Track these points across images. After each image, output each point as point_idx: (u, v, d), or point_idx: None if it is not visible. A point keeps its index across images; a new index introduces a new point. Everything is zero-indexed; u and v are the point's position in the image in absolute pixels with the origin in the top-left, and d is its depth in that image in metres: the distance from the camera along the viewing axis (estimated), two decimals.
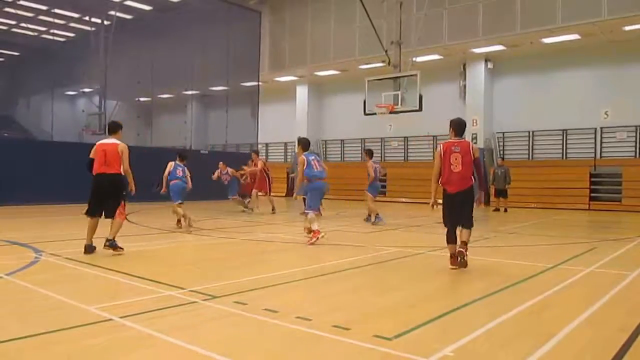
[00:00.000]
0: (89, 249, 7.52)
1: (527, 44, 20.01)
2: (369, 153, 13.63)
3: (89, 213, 7.59)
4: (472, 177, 6.79)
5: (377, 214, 13.06)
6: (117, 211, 7.69)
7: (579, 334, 4.10)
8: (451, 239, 6.79)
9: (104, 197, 7.63)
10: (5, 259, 7.18)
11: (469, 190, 6.77)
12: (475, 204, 7.10)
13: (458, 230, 6.81)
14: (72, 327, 4.00)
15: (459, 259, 6.63)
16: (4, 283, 5.63)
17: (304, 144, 10.04)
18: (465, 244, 6.69)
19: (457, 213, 6.77)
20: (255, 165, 15.98)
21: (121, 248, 7.57)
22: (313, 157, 9.83)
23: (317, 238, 9.19)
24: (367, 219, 13.46)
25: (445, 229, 6.86)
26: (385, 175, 24.84)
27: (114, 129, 7.98)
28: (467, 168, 6.70)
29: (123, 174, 7.70)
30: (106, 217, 7.66)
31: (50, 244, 8.59)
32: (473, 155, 6.77)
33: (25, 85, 31.82)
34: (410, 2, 19.59)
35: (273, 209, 15.91)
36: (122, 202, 7.81)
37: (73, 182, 17.77)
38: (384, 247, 8.75)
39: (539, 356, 3.54)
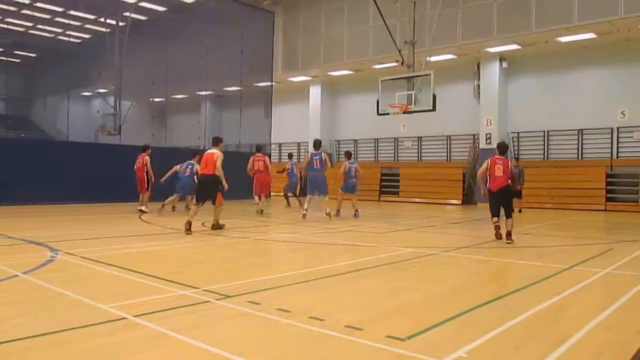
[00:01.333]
0: (188, 225, 10.12)
1: (542, 43, 19.82)
2: (347, 155, 15.53)
3: (196, 201, 10.81)
4: (508, 180, 9.79)
5: (338, 210, 14.80)
6: (217, 200, 10.62)
7: (594, 337, 4.05)
8: (495, 215, 9.89)
9: (205, 190, 10.70)
10: (21, 257, 7.27)
11: (506, 188, 9.78)
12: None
13: (503, 222, 9.75)
14: (87, 326, 4.03)
15: (507, 242, 9.45)
16: (20, 281, 5.69)
17: (314, 144, 13.81)
18: (510, 233, 9.51)
19: (499, 204, 9.85)
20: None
21: (223, 225, 10.83)
22: (317, 157, 13.19)
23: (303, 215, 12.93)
24: (336, 214, 14.54)
25: (491, 215, 9.95)
26: (398, 175, 24.94)
27: (215, 141, 11.08)
28: (506, 175, 9.75)
29: (217, 173, 10.50)
30: (213, 203, 10.76)
31: (66, 243, 8.68)
32: (510, 168, 9.93)
33: (42, 86, 32.23)
34: (424, 1, 19.51)
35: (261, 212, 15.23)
36: (220, 193, 10.67)
37: (88, 182, 18.16)
38: (398, 248, 8.72)
39: (554, 358, 3.51)
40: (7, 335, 3.78)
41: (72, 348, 3.59)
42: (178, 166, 14.98)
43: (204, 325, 4.15)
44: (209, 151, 10.82)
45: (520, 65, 22.08)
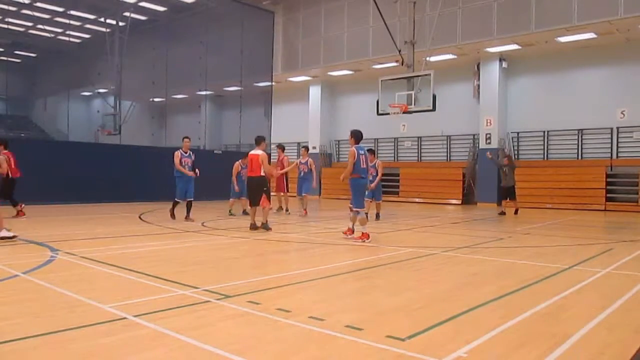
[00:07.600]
0: (253, 227, 10.87)
1: (542, 43, 19.82)
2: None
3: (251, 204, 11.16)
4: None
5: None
6: (262, 201, 10.79)
7: (594, 336, 4.05)
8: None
9: (254, 193, 10.83)
10: (21, 257, 7.27)
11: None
12: None
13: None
14: (87, 326, 4.03)
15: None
16: (20, 281, 5.70)
17: (356, 135, 9.89)
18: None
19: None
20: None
21: (270, 229, 10.87)
22: (363, 152, 9.84)
23: (364, 241, 9.37)
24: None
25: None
26: (398, 175, 24.98)
27: (257, 141, 11.13)
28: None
29: (264, 175, 10.81)
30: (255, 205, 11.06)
31: (66, 242, 8.68)
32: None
33: (42, 86, 32.21)
34: (424, 1, 19.50)
35: (287, 210, 16.00)
36: (265, 195, 10.76)
37: (89, 182, 18.18)
38: (398, 248, 8.72)
39: (554, 358, 3.51)
40: (7, 335, 3.78)
41: (72, 348, 3.58)
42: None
43: (204, 325, 4.15)
44: (253, 152, 10.97)
45: (520, 65, 22.08)
